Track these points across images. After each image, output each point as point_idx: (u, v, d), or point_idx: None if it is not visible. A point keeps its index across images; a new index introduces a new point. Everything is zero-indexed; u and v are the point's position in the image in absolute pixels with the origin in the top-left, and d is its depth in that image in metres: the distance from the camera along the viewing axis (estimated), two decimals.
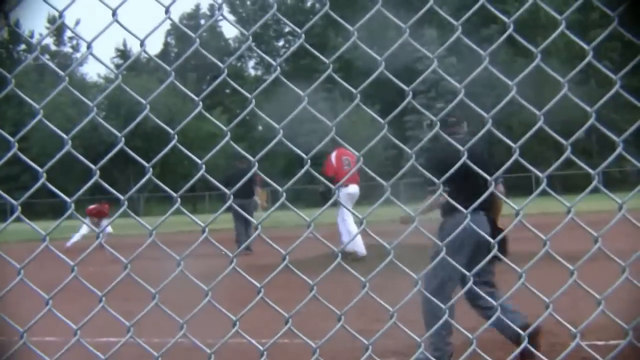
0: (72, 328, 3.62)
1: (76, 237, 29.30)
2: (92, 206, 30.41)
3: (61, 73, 3.44)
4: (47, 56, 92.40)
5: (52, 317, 3.59)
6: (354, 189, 18.81)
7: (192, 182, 3.88)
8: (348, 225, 18.79)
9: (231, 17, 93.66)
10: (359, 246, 18.31)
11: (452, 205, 4.29)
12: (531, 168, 4.00)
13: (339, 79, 3.88)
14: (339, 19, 3.97)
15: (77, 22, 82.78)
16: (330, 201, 3.95)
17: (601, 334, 7.69)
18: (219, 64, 3.61)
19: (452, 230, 4.13)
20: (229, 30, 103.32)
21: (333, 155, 19.00)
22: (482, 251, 7.06)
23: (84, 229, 29.40)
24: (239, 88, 4.04)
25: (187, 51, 3.82)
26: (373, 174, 3.77)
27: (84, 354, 3.75)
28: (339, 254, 3.83)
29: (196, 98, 3.57)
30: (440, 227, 8.25)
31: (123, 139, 3.46)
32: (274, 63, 3.67)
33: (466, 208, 3.94)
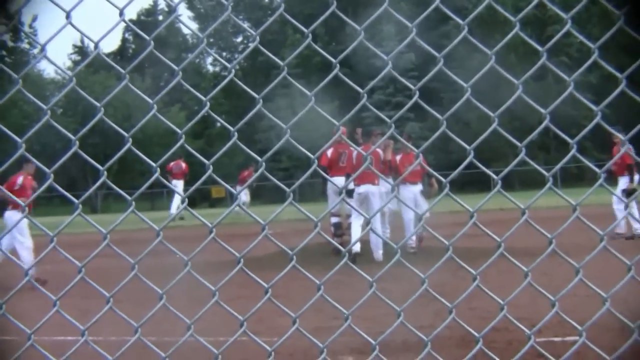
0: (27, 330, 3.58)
1: None
2: None
3: (15, 76, 3.39)
4: (3, 52, 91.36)
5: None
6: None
7: (146, 185, 3.83)
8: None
9: (189, 13, 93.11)
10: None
11: None
12: (486, 170, 4.02)
13: (295, 82, 3.87)
14: (294, 22, 3.93)
15: (34, 19, 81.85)
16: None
17: (558, 330, 7.75)
18: (174, 67, 3.58)
19: None
20: (187, 24, 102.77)
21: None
22: None
23: None
24: (194, 91, 3.99)
25: (143, 52, 3.76)
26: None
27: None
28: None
29: (150, 101, 3.53)
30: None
31: (77, 142, 3.40)
32: (228, 65, 3.65)
33: None
